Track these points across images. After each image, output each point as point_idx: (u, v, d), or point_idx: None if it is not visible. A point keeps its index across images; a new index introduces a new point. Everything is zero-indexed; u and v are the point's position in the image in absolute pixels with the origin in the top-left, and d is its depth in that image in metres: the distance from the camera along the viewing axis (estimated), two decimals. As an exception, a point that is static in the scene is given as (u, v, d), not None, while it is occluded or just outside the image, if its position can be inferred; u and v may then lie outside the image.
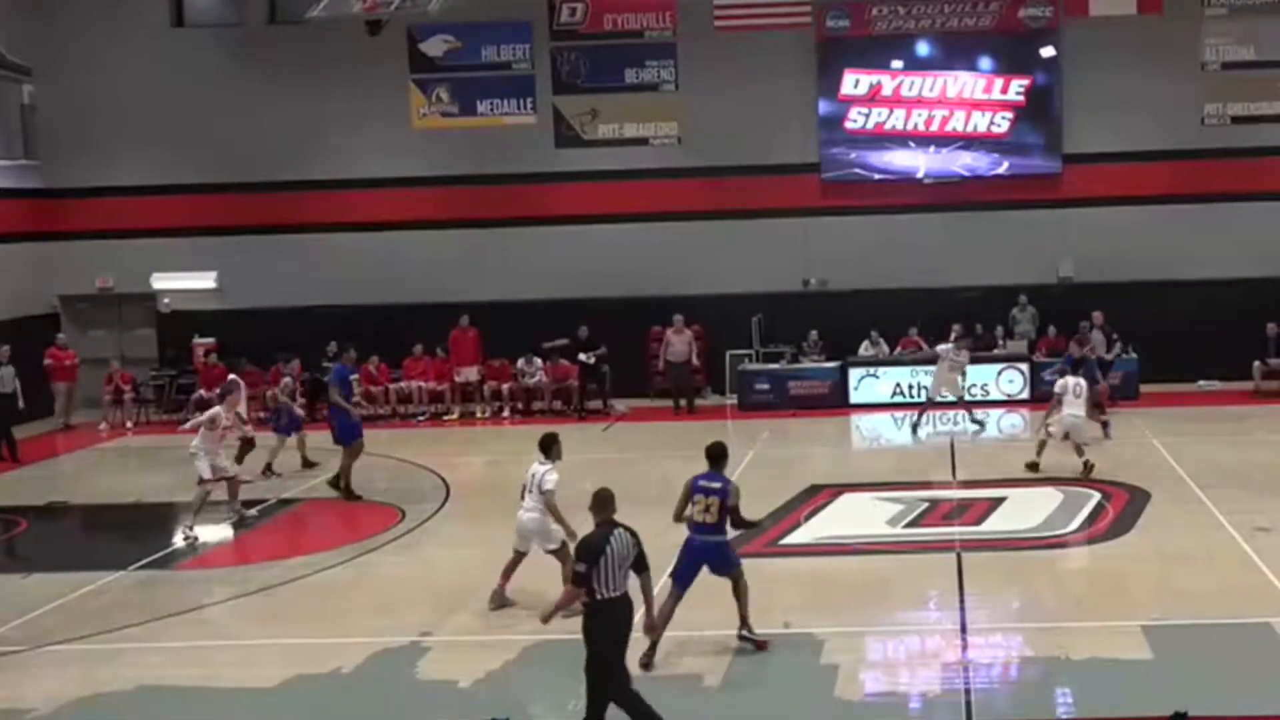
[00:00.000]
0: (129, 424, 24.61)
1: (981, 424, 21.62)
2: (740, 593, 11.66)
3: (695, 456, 14.54)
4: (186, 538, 16.10)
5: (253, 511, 17.12)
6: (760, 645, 11.61)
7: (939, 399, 21.83)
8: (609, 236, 25.58)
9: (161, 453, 18.37)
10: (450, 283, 25.45)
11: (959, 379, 21.76)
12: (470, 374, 24.49)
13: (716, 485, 11.38)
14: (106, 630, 12.84)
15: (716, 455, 11.64)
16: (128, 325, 26.86)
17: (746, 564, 14.07)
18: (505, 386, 24.62)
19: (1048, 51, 24.88)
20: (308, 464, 19.94)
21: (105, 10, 26.07)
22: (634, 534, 9.65)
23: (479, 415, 24.32)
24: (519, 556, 12.98)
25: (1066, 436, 17.91)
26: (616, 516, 9.80)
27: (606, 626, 9.31)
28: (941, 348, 21.67)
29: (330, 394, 18.53)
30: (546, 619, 9.72)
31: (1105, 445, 19.29)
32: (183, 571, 15.26)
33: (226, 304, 26.31)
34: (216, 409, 16.86)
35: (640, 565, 9.66)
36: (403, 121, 26.00)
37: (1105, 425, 19.91)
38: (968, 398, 22.10)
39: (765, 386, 23.82)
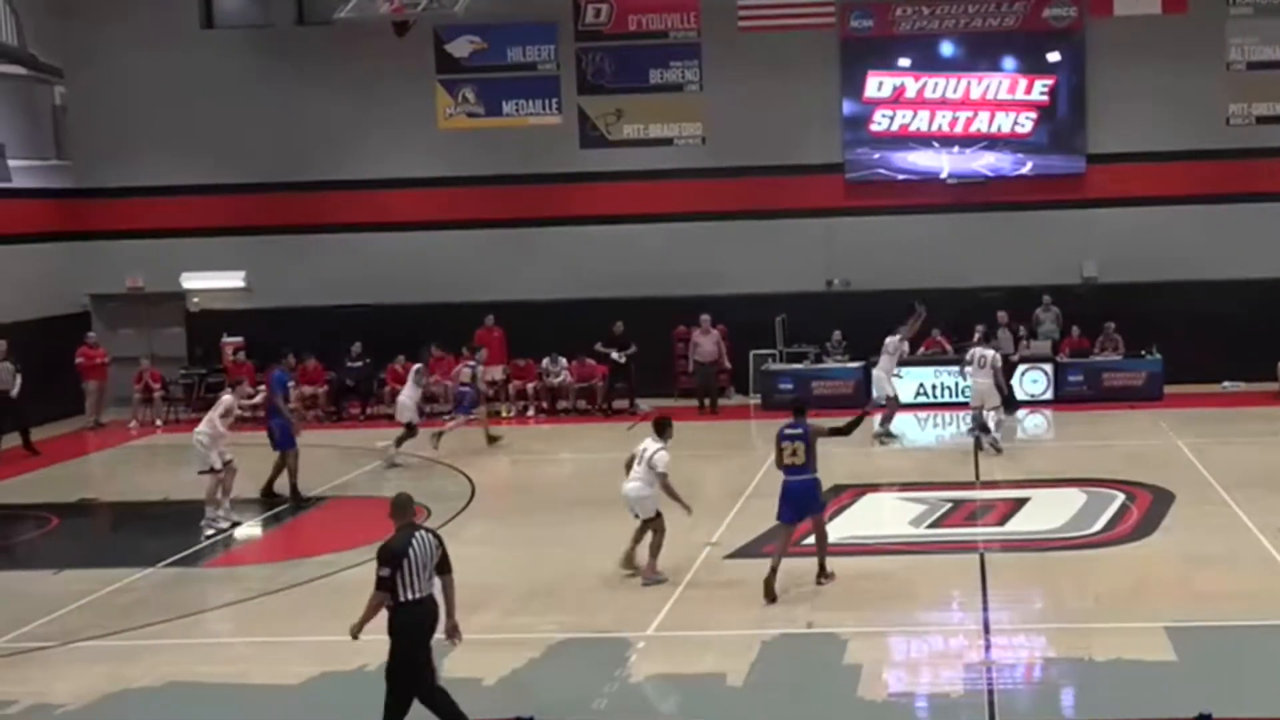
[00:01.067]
0: (158, 422, 24.69)
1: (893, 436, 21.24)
2: (820, 538, 13.38)
3: (719, 456, 14.61)
4: (221, 531, 16.17)
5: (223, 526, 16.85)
6: (829, 576, 13.29)
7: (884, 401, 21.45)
8: (633, 236, 25.55)
9: (190, 450, 18.38)
10: (476, 282, 25.48)
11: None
12: (495, 373, 24.46)
13: (798, 431, 13.16)
14: (135, 626, 12.89)
15: (798, 408, 13.68)
16: (157, 324, 26.91)
17: (768, 563, 14.13)
18: (530, 386, 24.63)
19: (1054, 56, 24.75)
20: (492, 440, 21.35)
21: (135, 12, 26.18)
22: (438, 537, 9.66)
23: (504, 414, 24.29)
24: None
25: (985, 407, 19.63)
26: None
27: (410, 627, 9.33)
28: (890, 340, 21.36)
29: (274, 399, 18.41)
30: (356, 632, 9.50)
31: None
32: (210, 569, 15.33)
33: (254, 303, 26.37)
34: (228, 398, 16.84)
35: (444, 567, 9.64)
36: (429, 122, 26.02)
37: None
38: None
39: (789, 386, 23.58)
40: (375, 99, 25.85)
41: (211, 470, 16.43)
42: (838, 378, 23.86)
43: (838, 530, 15.50)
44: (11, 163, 24.95)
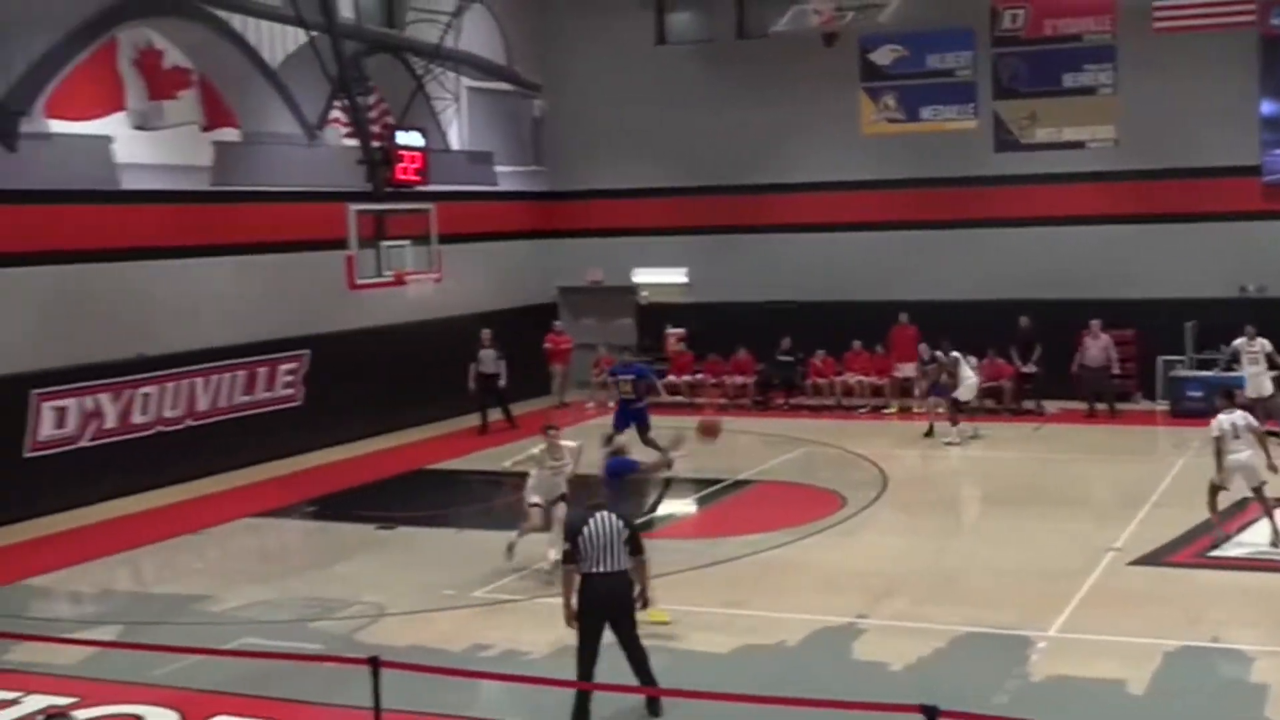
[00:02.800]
0: (611, 404, 25.46)
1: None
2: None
3: (1119, 461, 13.83)
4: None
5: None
6: None
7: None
8: (1044, 239, 24.39)
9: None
10: (892, 281, 25.08)
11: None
12: (909, 370, 23.97)
13: None
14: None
15: None
16: (612, 314, 27.76)
17: (1174, 573, 13.30)
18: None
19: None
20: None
21: (601, 33, 27.32)
22: (625, 520, 9.81)
23: (916, 410, 23.77)
24: (1215, 491, 14.27)
25: None
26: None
27: (587, 598, 9.61)
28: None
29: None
30: (568, 618, 9.79)
31: None
32: (649, 539, 15.78)
33: (694, 298, 26.94)
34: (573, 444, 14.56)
35: (635, 548, 9.77)
36: (853, 127, 25.78)
37: None
38: None
39: (1198, 394, 21.50)
40: (806, 107, 25.85)
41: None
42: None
43: (1248, 544, 14.33)
44: (498, 169, 26.86)
